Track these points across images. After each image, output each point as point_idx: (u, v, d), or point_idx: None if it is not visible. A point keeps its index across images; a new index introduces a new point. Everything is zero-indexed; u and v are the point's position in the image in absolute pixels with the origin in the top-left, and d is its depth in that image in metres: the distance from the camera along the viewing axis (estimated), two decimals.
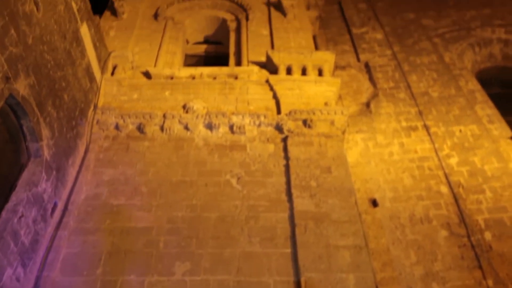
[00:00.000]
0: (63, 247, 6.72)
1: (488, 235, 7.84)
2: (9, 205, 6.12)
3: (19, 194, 6.33)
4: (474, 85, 11.39)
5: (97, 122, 8.67)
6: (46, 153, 6.95)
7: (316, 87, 9.31)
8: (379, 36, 13.33)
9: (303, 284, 6.30)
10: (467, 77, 11.67)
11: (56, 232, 6.89)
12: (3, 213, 5.99)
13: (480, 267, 7.44)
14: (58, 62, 7.67)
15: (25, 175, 6.61)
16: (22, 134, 6.69)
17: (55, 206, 7.12)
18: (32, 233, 6.38)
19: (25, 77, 6.45)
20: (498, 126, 10.06)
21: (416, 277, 7.42)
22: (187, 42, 12.68)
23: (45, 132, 6.96)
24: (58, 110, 7.50)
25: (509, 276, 7.34)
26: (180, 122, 8.66)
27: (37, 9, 7.08)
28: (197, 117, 8.67)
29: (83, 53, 8.78)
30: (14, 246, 5.91)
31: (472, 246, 7.69)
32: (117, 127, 8.68)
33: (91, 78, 9.07)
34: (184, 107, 9.02)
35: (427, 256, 7.67)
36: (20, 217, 6.10)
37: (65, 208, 7.24)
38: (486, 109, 10.54)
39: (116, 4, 11.87)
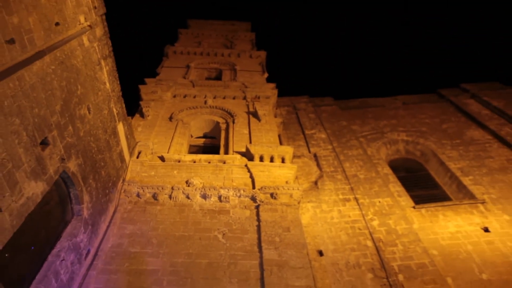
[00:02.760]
0: (91, 284, 6.50)
1: (401, 277, 7.88)
2: (54, 251, 6.04)
3: (63, 242, 6.25)
4: (387, 170, 11.92)
5: (124, 191, 8.69)
6: (85, 213, 6.92)
7: (280, 170, 9.53)
8: (323, 136, 13.92)
9: None
10: (383, 165, 12.22)
11: (87, 272, 6.68)
12: (49, 257, 5.90)
13: None
14: (99, 148, 7.82)
15: (68, 229, 6.55)
16: (69, 198, 6.69)
17: (88, 252, 6.95)
18: (69, 272, 6.21)
19: (75, 158, 6.59)
20: (404, 199, 10.44)
21: None
22: (191, 136, 12.97)
23: (86, 198, 6.98)
24: (97, 182, 7.55)
25: None
26: (183, 192, 8.71)
27: (89, 112, 7.35)
28: (195, 189, 8.76)
29: (118, 142, 8.96)
30: (55, 283, 5.74)
31: (390, 285, 7.69)
32: (138, 195, 8.69)
33: (122, 160, 9.20)
34: (187, 182, 9.10)
35: None
36: (61, 260, 5.98)
37: (96, 253, 7.07)
38: (396, 187, 10.99)
39: (144, 110, 12.34)
